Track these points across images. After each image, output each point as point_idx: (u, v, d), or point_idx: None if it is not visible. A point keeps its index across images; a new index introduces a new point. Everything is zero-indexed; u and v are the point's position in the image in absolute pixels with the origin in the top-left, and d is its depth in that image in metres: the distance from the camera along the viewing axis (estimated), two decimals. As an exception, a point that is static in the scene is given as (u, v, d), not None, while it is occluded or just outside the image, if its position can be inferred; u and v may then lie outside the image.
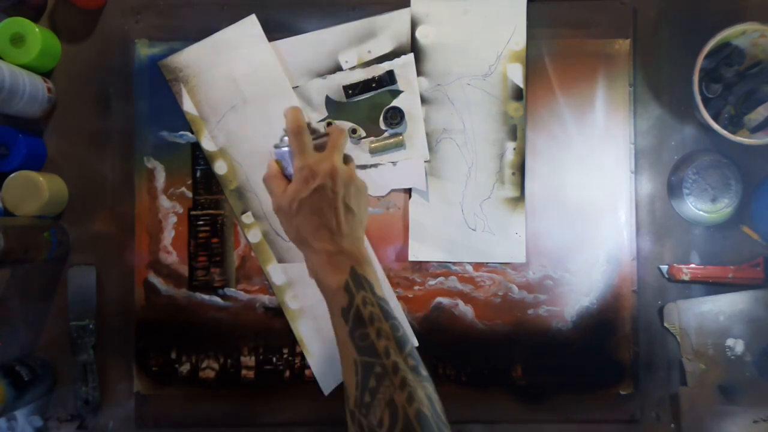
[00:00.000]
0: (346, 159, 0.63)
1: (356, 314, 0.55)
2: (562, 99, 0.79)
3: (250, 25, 0.79)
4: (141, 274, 0.79)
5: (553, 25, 0.79)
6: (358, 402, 0.53)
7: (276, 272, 0.79)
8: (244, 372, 0.79)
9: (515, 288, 0.79)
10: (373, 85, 0.78)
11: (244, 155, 0.79)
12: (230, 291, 0.79)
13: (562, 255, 0.79)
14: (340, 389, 0.79)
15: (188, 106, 0.79)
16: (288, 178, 0.62)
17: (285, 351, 0.79)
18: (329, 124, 0.78)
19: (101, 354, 0.79)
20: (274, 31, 0.79)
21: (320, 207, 0.58)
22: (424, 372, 0.55)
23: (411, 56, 0.79)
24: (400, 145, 0.79)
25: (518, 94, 0.79)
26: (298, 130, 0.61)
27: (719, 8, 0.79)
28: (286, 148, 0.62)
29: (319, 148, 0.62)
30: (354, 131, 0.78)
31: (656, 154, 0.80)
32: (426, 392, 0.53)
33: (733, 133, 0.74)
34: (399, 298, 0.79)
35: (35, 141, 0.78)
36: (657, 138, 0.80)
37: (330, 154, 0.60)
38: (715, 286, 0.78)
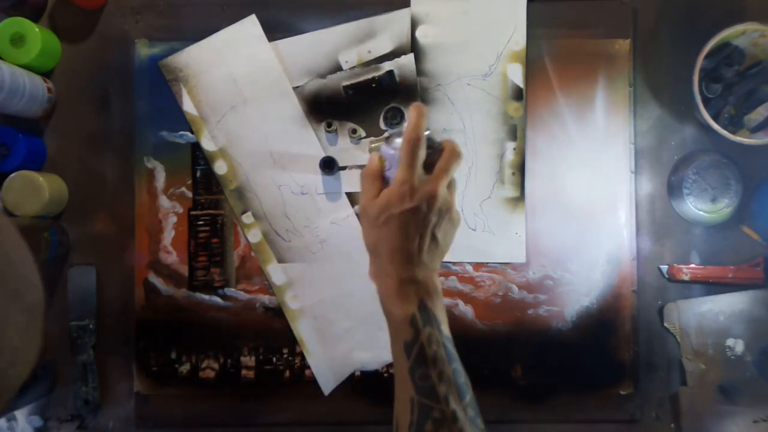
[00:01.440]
0: (450, 185, 0.59)
1: (420, 351, 0.52)
2: (562, 99, 0.79)
3: (250, 25, 0.79)
4: (141, 274, 0.79)
5: (553, 25, 0.79)
6: None
7: (276, 272, 0.79)
8: (244, 372, 0.79)
9: (515, 288, 0.79)
10: (373, 85, 0.78)
11: (244, 155, 0.79)
12: (230, 291, 0.79)
13: (562, 255, 0.79)
14: (340, 389, 0.79)
15: (188, 106, 0.79)
16: (385, 180, 0.58)
17: (285, 351, 0.79)
18: (330, 124, 0.78)
19: (101, 354, 0.79)
20: (274, 31, 0.79)
21: (407, 229, 0.55)
22: (481, 425, 0.52)
23: (411, 56, 0.79)
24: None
25: (518, 94, 0.79)
26: (415, 141, 0.55)
27: (719, 8, 0.79)
28: (394, 152, 0.57)
29: (429, 165, 0.57)
30: (354, 131, 0.78)
31: (656, 154, 0.80)
32: None
33: (733, 133, 0.74)
34: (399, 298, 0.79)
35: (35, 141, 0.78)
36: (657, 138, 0.80)
37: (437, 177, 0.56)
38: (715, 286, 0.78)
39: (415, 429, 0.51)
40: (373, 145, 0.60)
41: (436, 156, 0.58)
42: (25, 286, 0.40)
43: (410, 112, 0.57)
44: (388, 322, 0.56)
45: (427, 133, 0.57)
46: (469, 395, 0.53)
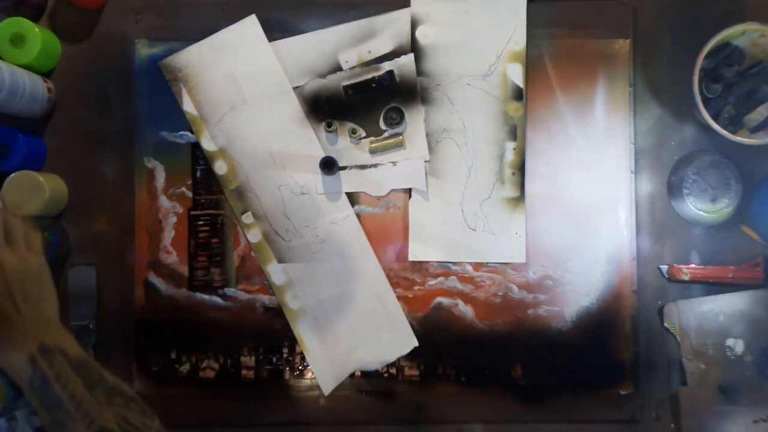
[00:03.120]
0: (11, 237, 0.57)
1: (41, 379, 0.52)
2: (562, 99, 0.79)
3: (250, 25, 0.79)
4: (141, 274, 0.79)
5: (553, 25, 0.79)
6: None
7: (276, 272, 0.79)
8: (244, 372, 0.79)
9: (515, 288, 0.79)
10: (373, 85, 0.78)
11: (244, 155, 0.79)
12: (230, 291, 0.79)
13: (562, 255, 0.79)
14: (340, 389, 0.79)
15: (188, 106, 0.79)
16: None
17: (285, 351, 0.79)
18: (330, 124, 0.78)
19: (101, 354, 0.79)
20: (274, 31, 0.79)
21: None
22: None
23: (411, 56, 0.79)
24: (400, 145, 0.79)
25: (518, 94, 0.79)
26: None
27: (719, 8, 0.79)
28: None
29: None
30: (354, 131, 0.78)
31: (656, 154, 0.80)
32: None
33: (733, 133, 0.74)
34: (399, 298, 0.79)
35: (35, 141, 0.78)
36: (657, 138, 0.80)
37: None
38: (715, 286, 0.78)
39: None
40: None
41: None
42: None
43: None
44: (11, 375, 0.54)
45: None
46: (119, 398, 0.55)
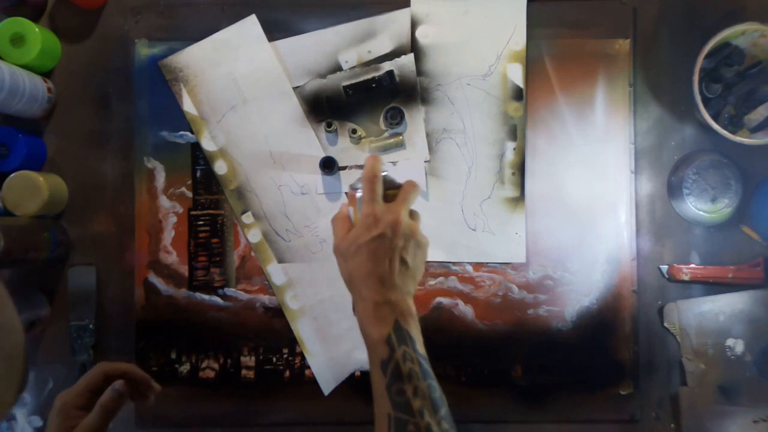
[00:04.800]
0: (413, 214, 0.64)
1: (395, 369, 0.55)
2: (562, 99, 0.79)
3: (250, 25, 0.79)
4: (141, 274, 0.79)
5: (553, 25, 0.79)
6: None
7: (276, 272, 0.79)
8: (244, 372, 0.79)
9: (515, 288, 0.79)
10: (373, 85, 0.78)
11: (244, 155, 0.79)
12: (230, 291, 0.79)
13: (562, 255, 0.79)
14: (340, 389, 0.79)
15: (188, 106, 0.79)
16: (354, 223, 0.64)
17: (285, 351, 0.79)
18: (330, 124, 0.78)
19: (101, 354, 0.79)
20: (274, 31, 0.79)
21: (376, 255, 0.59)
22: None
23: (411, 56, 0.79)
24: (400, 145, 0.79)
25: (518, 94, 0.79)
26: (372, 178, 0.62)
27: (719, 8, 0.79)
28: (359, 192, 0.63)
29: (390, 198, 0.63)
30: (354, 131, 0.78)
31: (656, 154, 0.80)
32: None
33: (733, 133, 0.74)
34: (399, 298, 0.79)
35: (35, 141, 0.78)
36: (657, 138, 0.80)
37: (397, 206, 0.61)
38: (715, 286, 0.78)
39: None
40: (351, 187, 0.66)
41: (396, 192, 0.64)
42: (4, 333, 0.41)
43: (366, 159, 0.64)
44: (366, 344, 0.58)
45: (384, 173, 0.64)
46: (444, 409, 0.55)
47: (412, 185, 0.64)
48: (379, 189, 0.62)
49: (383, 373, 0.55)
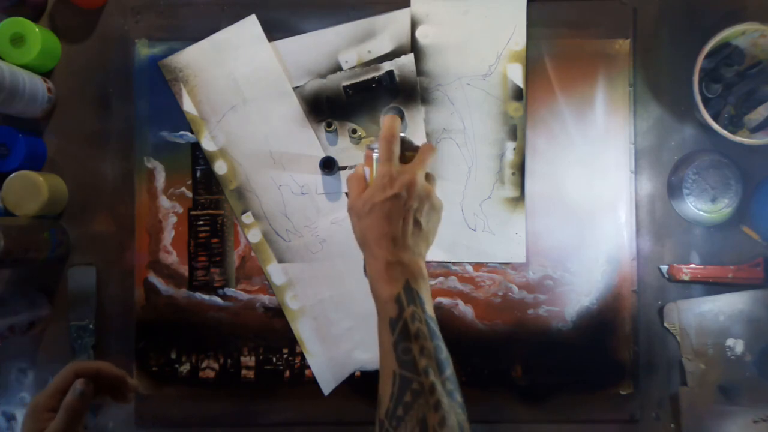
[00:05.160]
0: (429, 177, 0.64)
1: (403, 327, 0.55)
2: (562, 99, 0.79)
3: (250, 25, 0.79)
4: (141, 274, 0.79)
5: (553, 25, 0.79)
6: (390, 413, 0.53)
7: (276, 272, 0.79)
8: (244, 372, 0.79)
9: (515, 288, 0.79)
10: (373, 85, 0.78)
11: (244, 155, 0.79)
12: (230, 291, 0.79)
13: (562, 255, 0.79)
14: (340, 389, 0.79)
15: (188, 106, 0.79)
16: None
17: (285, 351, 0.79)
18: (330, 124, 0.78)
19: (101, 354, 0.79)
20: (274, 31, 0.79)
21: (390, 215, 0.59)
22: (459, 398, 0.54)
23: (411, 56, 0.79)
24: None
25: (518, 94, 0.79)
26: (389, 138, 0.62)
27: (719, 8, 0.79)
28: (376, 153, 0.64)
29: (407, 160, 0.63)
30: (354, 131, 0.78)
31: (656, 154, 0.80)
32: (458, 419, 0.52)
33: (733, 133, 0.74)
34: (399, 298, 0.79)
35: (35, 141, 0.78)
36: (657, 138, 0.80)
37: (413, 167, 0.61)
38: (715, 286, 0.78)
39: (395, 399, 0.53)
40: (368, 146, 0.66)
41: (413, 155, 0.64)
42: None
43: (383, 120, 0.63)
44: (376, 303, 0.58)
45: (402, 135, 0.64)
46: (449, 370, 0.55)
47: (429, 147, 0.64)
48: (396, 149, 0.62)
49: (391, 331, 0.55)
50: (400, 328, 0.55)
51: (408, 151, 0.65)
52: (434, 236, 0.63)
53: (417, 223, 0.60)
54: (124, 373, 0.60)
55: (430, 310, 0.57)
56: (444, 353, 0.55)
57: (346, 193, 0.79)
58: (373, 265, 0.59)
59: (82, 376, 0.57)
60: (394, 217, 0.59)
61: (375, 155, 0.64)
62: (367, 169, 0.65)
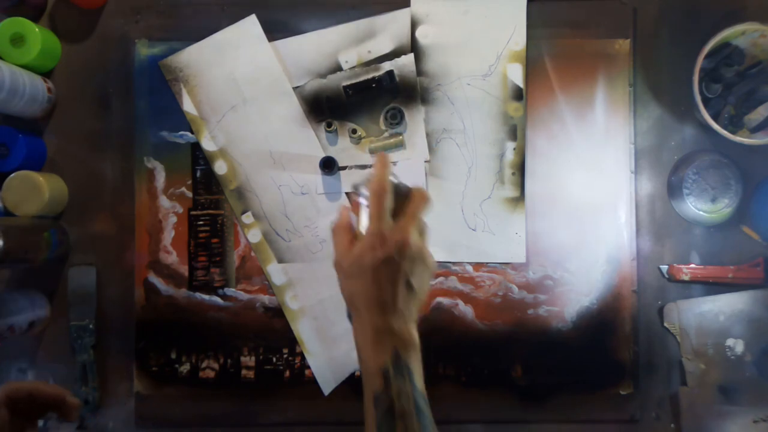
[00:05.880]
0: (422, 230, 0.58)
1: (388, 405, 0.52)
2: (562, 99, 0.79)
3: (250, 25, 0.79)
4: (141, 274, 0.79)
5: (553, 25, 0.79)
6: None
7: (276, 272, 0.79)
8: (244, 372, 0.79)
9: (515, 288, 0.79)
10: (373, 85, 0.78)
11: (244, 155, 0.79)
12: (230, 291, 0.79)
13: (562, 255, 0.79)
14: (340, 389, 0.79)
15: (188, 106, 0.79)
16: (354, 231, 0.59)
17: (285, 351, 0.79)
18: (330, 124, 0.78)
19: (101, 354, 0.79)
20: (274, 31, 0.79)
21: (380, 279, 0.55)
22: None
23: (411, 56, 0.79)
24: (400, 145, 0.79)
25: (518, 94, 0.79)
26: (380, 192, 0.56)
27: (719, 8, 0.79)
28: (363, 200, 0.58)
29: (398, 208, 0.58)
30: (354, 131, 0.78)
31: (656, 154, 0.80)
32: None
33: (733, 133, 0.74)
34: (399, 298, 0.79)
35: (35, 141, 0.78)
36: (657, 138, 0.80)
37: (406, 224, 0.56)
38: (715, 286, 0.78)
39: None
40: (355, 188, 0.60)
41: (406, 200, 0.58)
42: None
43: (375, 163, 0.57)
44: (362, 372, 0.55)
45: (393, 180, 0.58)
46: None
47: (422, 197, 0.58)
48: (388, 203, 0.56)
49: (375, 407, 0.53)
50: (385, 405, 0.52)
51: (400, 197, 0.58)
52: (426, 296, 0.58)
53: (409, 286, 0.55)
54: (62, 392, 0.55)
55: (420, 384, 0.54)
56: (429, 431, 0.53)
57: (347, 193, 0.79)
58: (360, 330, 0.56)
59: (13, 397, 0.52)
60: (385, 282, 0.54)
61: (362, 202, 0.58)
62: (353, 216, 0.60)
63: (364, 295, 0.55)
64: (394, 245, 0.55)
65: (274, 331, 0.79)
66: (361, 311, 0.56)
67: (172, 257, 0.79)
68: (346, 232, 0.59)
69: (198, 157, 0.80)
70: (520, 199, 0.79)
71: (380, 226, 0.56)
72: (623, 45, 0.79)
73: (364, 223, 0.57)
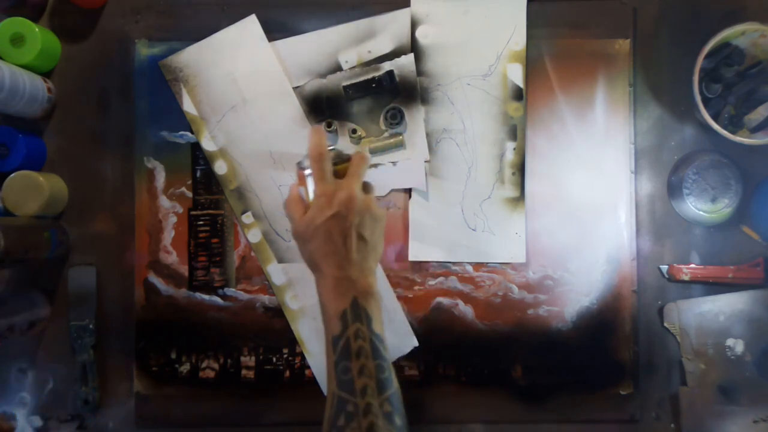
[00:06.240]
0: (366, 187, 0.63)
1: (345, 345, 0.55)
2: (562, 99, 0.79)
3: (250, 25, 0.79)
4: (141, 274, 0.79)
5: (553, 25, 0.79)
6: None
7: (276, 272, 0.79)
8: (244, 372, 0.79)
9: (515, 288, 0.79)
10: (373, 85, 0.78)
11: (244, 155, 0.79)
12: (230, 291, 0.79)
13: (562, 255, 0.79)
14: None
15: (188, 106, 0.79)
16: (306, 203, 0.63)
17: (285, 351, 0.79)
18: (330, 124, 0.78)
19: (101, 354, 0.79)
20: (274, 31, 0.79)
21: (332, 235, 0.59)
22: (399, 421, 0.53)
23: (411, 56, 0.79)
24: (400, 145, 0.79)
25: (518, 94, 0.79)
26: (318, 156, 0.61)
27: (719, 8, 0.79)
28: (308, 171, 0.63)
29: (341, 173, 0.63)
30: (354, 131, 0.78)
31: (656, 154, 0.80)
32: None
33: (733, 133, 0.74)
34: (399, 298, 0.79)
35: (35, 141, 0.78)
36: (657, 138, 0.80)
37: (348, 182, 0.61)
38: (715, 286, 0.78)
39: (330, 423, 0.52)
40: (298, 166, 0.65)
41: (346, 166, 0.63)
42: None
43: (309, 134, 0.62)
44: (323, 320, 0.58)
45: (331, 149, 0.63)
46: (390, 390, 0.54)
47: (360, 157, 0.63)
48: (328, 166, 0.62)
49: (333, 349, 0.55)
50: (342, 346, 0.55)
51: (339, 164, 0.63)
52: (381, 247, 0.63)
53: (361, 238, 0.60)
54: None
55: (378, 328, 0.57)
56: (386, 372, 0.54)
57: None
58: (322, 283, 0.59)
59: None
60: (337, 236, 0.59)
61: (306, 172, 0.63)
62: (302, 189, 0.64)
63: (320, 252, 0.59)
64: (340, 201, 0.59)
65: (274, 331, 0.79)
66: (321, 268, 0.59)
67: (172, 257, 0.79)
68: (297, 203, 0.63)
69: (198, 157, 0.80)
70: (520, 199, 0.79)
71: (324, 187, 0.61)
72: (623, 45, 0.79)
73: (311, 190, 0.62)
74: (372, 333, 0.56)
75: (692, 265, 0.78)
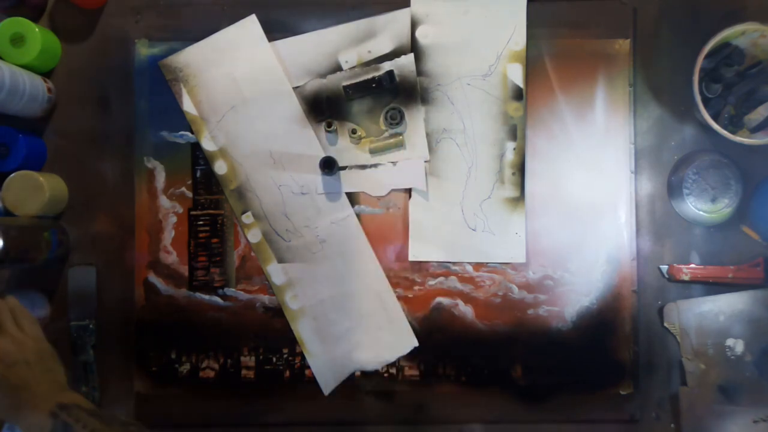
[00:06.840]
0: (21, 324, 0.65)
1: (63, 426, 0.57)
2: (562, 99, 0.79)
3: (250, 25, 0.79)
4: (141, 274, 0.79)
5: (553, 25, 0.79)
6: None
7: (276, 272, 0.79)
8: (244, 372, 0.79)
9: (515, 288, 0.79)
10: (373, 85, 0.78)
11: (244, 155, 0.79)
12: (230, 291, 0.79)
13: (562, 255, 0.79)
14: (340, 389, 0.79)
15: (188, 106, 0.79)
16: None
17: (285, 351, 0.79)
18: (330, 124, 0.78)
19: (101, 354, 0.79)
20: (274, 31, 0.79)
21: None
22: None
23: (411, 56, 0.79)
24: (400, 145, 0.79)
25: (518, 94, 0.79)
26: None
27: (719, 8, 0.79)
28: None
29: None
30: (354, 131, 0.78)
31: (656, 154, 0.80)
32: None
33: (733, 133, 0.74)
34: (399, 298, 0.79)
35: (35, 141, 0.78)
36: (657, 138, 0.80)
37: None
38: (715, 286, 0.78)
39: None
40: None
41: None
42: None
43: None
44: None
45: None
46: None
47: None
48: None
49: None
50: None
51: None
52: (58, 364, 0.65)
53: (30, 374, 0.61)
54: None
55: (89, 405, 0.61)
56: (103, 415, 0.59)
57: (347, 193, 0.79)
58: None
59: None
60: (2, 389, 0.60)
61: None
62: None
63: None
64: None
65: (274, 331, 0.79)
66: (15, 418, 0.60)
67: (172, 257, 0.79)
68: None
69: (198, 157, 0.80)
70: (520, 199, 0.79)
71: None
72: (623, 45, 0.79)
73: None
74: (86, 409, 0.59)
75: (692, 265, 0.78)
